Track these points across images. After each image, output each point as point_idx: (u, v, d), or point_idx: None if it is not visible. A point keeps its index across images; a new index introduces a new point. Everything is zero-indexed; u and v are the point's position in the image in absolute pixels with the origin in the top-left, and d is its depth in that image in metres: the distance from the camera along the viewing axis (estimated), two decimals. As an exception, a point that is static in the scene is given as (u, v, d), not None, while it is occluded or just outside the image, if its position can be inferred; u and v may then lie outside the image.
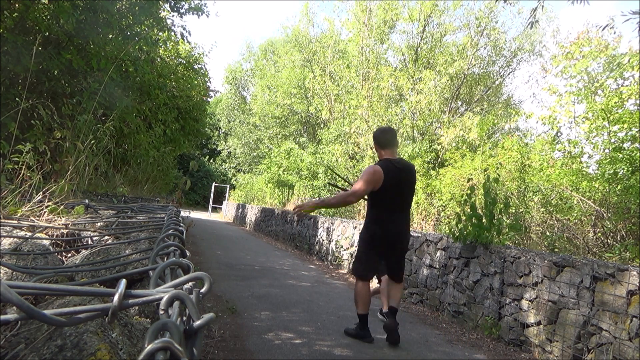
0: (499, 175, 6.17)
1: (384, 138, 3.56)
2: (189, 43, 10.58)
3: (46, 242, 2.05)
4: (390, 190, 3.39)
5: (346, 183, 4.19)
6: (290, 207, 14.10)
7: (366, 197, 3.60)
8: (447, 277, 5.03)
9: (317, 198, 4.83)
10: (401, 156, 10.23)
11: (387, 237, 3.51)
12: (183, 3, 6.94)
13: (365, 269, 3.60)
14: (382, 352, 3.35)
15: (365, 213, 3.74)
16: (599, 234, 4.90)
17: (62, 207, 2.71)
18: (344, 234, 8.21)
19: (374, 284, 4.44)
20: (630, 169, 4.78)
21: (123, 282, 0.71)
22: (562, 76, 7.21)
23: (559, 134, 6.79)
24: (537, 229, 5.60)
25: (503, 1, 4.92)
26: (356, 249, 3.90)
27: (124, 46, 5.59)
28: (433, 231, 7.22)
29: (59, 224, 2.37)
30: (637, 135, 5.11)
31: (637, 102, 5.80)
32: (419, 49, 14.62)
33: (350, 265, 3.88)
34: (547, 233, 5.42)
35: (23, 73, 4.28)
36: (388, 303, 3.73)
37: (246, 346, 3.09)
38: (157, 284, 0.89)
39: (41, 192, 2.76)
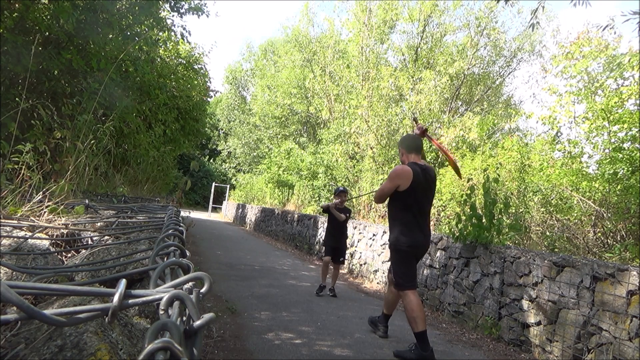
0: (499, 175, 6.17)
1: (413, 143, 3.60)
2: (189, 43, 10.58)
3: (46, 242, 2.05)
4: (419, 193, 3.37)
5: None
6: (290, 207, 14.10)
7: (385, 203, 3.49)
8: (447, 277, 5.03)
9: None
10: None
11: (421, 240, 3.44)
12: (183, 3, 6.94)
13: (411, 277, 3.43)
14: (382, 352, 3.35)
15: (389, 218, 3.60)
16: (599, 234, 4.90)
17: (62, 207, 2.71)
18: (344, 234, 8.20)
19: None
20: (630, 169, 4.78)
21: (123, 282, 0.71)
22: (562, 76, 7.21)
23: (559, 134, 6.78)
24: (537, 229, 5.60)
25: (504, 2, 4.91)
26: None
27: (124, 46, 5.59)
28: (433, 231, 7.21)
29: (59, 224, 2.37)
30: (637, 135, 5.11)
31: (637, 102, 5.79)
32: (419, 49, 14.61)
33: (389, 278, 3.67)
34: (547, 233, 5.42)
35: (23, 73, 4.28)
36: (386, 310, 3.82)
37: (246, 346, 3.09)
38: (157, 284, 0.89)
39: (41, 192, 2.76)
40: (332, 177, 12.81)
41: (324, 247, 5.83)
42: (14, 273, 1.54)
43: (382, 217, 9.12)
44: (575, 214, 5.20)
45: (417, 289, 3.43)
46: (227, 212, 25.14)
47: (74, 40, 5.22)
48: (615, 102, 5.54)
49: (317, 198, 12.72)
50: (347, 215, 5.62)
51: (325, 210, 5.67)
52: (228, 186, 28.42)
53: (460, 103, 15.57)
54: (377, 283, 6.54)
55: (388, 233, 3.63)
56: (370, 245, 7.03)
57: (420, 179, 3.34)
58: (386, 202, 3.60)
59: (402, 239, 3.38)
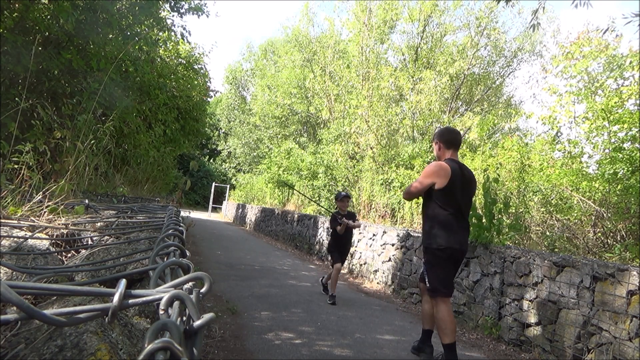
0: (499, 175, 6.17)
1: (455, 138, 3.28)
2: (189, 43, 10.58)
3: (46, 242, 2.05)
4: (457, 192, 3.09)
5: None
6: (290, 207, 14.09)
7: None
8: (447, 277, 5.03)
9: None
10: (402, 157, 10.26)
11: (459, 242, 3.10)
12: (183, 3, 6.94)
13: (447, 283, 3.11)
14: (382, 352, 3.35)
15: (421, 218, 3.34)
16: (599, 234, 4.89)
17: (62, 207, 2.71)
18: (344, 234, 8.20)
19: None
20: (630, 169, 4.78)
21: (123, 282, 0.71)
22: (562, 76, 7.21)
23: (559, 134, 6.78)
24: (537, 229, 5.59)
25: (504, 2, 4.90)
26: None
27: (124, 46, 5.59)
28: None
29: (59, 224, 2.37)
30: (637, 135, 5.11)
31: (637, 102, 5.79)
32: (419, 49, 14.61)
33: (422, 287, 3.43)
34: (547, 233, 5.41)
35: (23, 73, 4.28)
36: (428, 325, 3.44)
37: (246, 346, 3.09)
38: (157, 284, 0.89)
39: (41, 192, 2.76)
40: (332, 177, 12.80)
41: (330, 255, 5.48)
42: (14, 273, 1.54)
43: (382, 217, 9.12)
44: (575, 214, 5.20)
45: (451, 298, 3.11)
46: (227, 212, 25.14)
47: (74, 40, 5.22)
48: (615, 102, 5.53)
49: (317, 198, 12.71)
50: (354, 220, 5.31)
51: (334, 222, 5.24)
52: (228, 186, 28.43)
53: (460, 103, 15.58)
54: (377, 283, 6.54)
55: (422, 234, 3.31)
56: (370, 245, 7.03)
57: (458, 176, 3.08)
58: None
59: (439, 241, 3.06)
